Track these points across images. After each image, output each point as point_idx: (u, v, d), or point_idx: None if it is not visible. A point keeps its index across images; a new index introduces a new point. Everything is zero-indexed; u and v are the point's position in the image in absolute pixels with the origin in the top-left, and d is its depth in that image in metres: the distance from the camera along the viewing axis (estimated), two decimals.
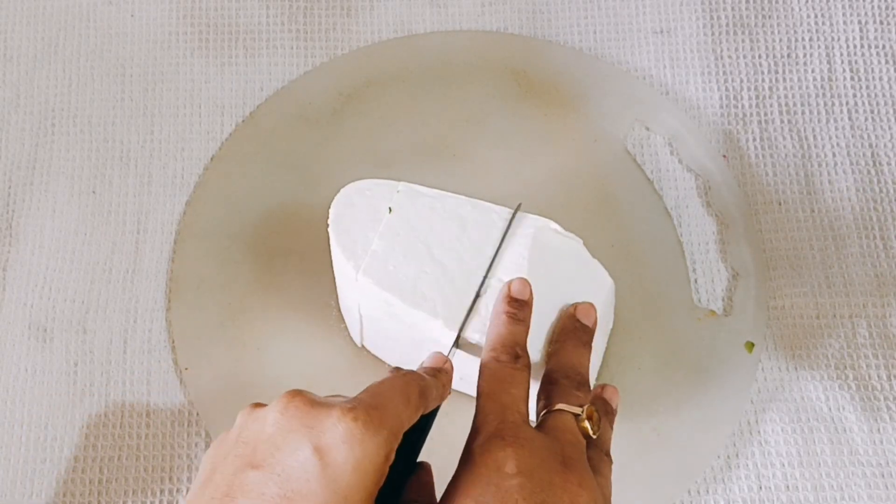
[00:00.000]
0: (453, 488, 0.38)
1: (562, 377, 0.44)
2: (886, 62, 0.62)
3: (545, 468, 0.38)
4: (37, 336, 0.55)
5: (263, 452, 0.35)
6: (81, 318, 0.55)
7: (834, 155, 0.60)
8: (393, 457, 0.37)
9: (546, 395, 0.43)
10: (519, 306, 0.45)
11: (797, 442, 0.53)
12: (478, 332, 0.46)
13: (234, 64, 0.62)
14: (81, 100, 0.61)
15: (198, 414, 0.53)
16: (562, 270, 0.48)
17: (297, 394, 0.37)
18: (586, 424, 0.41)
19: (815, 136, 0.61)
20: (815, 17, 0.64)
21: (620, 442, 0.52)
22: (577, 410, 0.41)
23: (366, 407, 0.36)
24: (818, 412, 0.54)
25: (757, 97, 0.62)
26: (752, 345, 0.54)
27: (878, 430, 0.53)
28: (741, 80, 0.62)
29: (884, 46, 0.63)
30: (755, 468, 0.53)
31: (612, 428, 0.44)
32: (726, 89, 0.62)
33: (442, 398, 0.42)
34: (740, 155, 0.60)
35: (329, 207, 0.55)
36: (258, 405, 0.37)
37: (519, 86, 0.61)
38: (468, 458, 0.39)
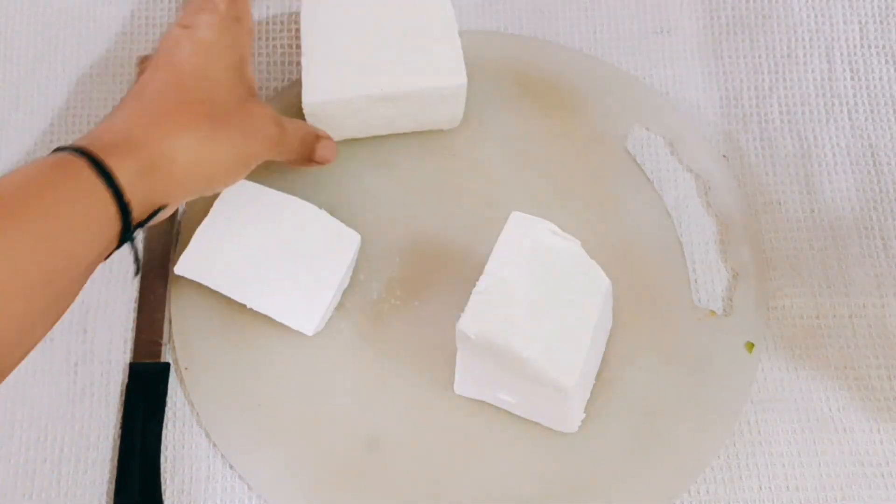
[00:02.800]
0: None
1: None
2: (886, 62, 0.62)
3: None
4: None
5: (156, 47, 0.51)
6: (82, 318, 0.55)
7: (834, 155, 0.60)
8: (246, 18, 0.52)
9: None
10: None
11: (797, 442, 0.53)
12: (469, 327, 0.46)
13: None
14: (81, 100, 0.61)
15: (198, 414, 0.53)
16: (560, 271, 0.48)
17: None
18: None
19: (815, 136, 0.61)
20: (815, 17, 0.64)
21: (620, 442, 0.52)
22: None
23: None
24: (818, 412, 0.54)
25: (757, 97, 0.62)
26: (752, 345, 0.54)
27: (879, 430, 0.53)
28: (741, 80, 0.62)
29: (884, 46, 0.63)
30: (755, 468, 0.53)
31: None
32: (726, 89, 0.62)
33: None
34: (740, 155, 0.60)
35: (329, 207, 0.55)
36: None
37: (519, 86, 0.61)
38: None
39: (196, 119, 0.46)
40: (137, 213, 0.43)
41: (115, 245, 0.44)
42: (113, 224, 0.42)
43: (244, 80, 0.51)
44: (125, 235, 0.43)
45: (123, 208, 0.42)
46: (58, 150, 0.43)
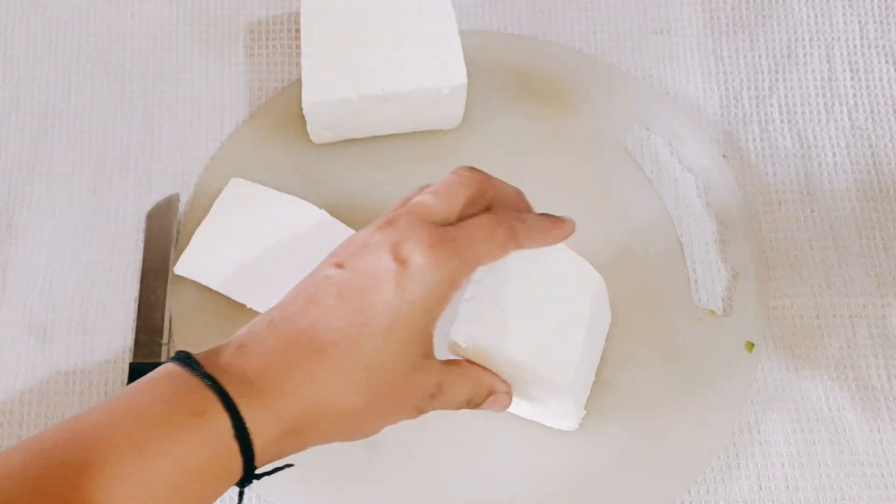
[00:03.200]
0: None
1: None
2: (886, 62, 0.62)
3: None
4: (37, 336, 0.55)
5: (349, 257, 0.41)
6: (81, 318, 0.55)
7: (834, 155, 0.60)
8: (462, 284, 0.42)
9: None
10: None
11: (797, 442, 0.53)
12: (460, 336, 0.46)
13: (234, 64, 0.62)
14: (81, 100, 0.61)
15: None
16: (548, 271, 0.48)
17: (384, 224, 0.42)
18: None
19: (815, 136, 0.61)
20: (815, 17, 0.64)
21: (621, 441, 0.52)
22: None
23: (446, 239, 0.41)
24: (818, 412, 0.54)
25: (757, 97, 0.62)
26: (752, 345, 0.54)
27: (879, 430, 0.53)
28: (741, 80, 0.62)
29: (884, 46, 0.63)
30: (755, 468, 0.53)
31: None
32: (726, 89, 0.62)
33: (548, 241, 0.46)
34: (740, 155, 0.60)
35: (329, 207, 0.55)
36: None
37: (519, 86, 0.61)
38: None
39: (357, 391, 0.39)
40: (259, 465, 0.39)
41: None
42: (232, 475, 0.38)
43: (425, 342, 0.41)
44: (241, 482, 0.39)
45: (249, 470, 0.38)
46: (189, 363, 0.38)
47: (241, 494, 0.40)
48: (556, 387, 0.46)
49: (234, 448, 0.37)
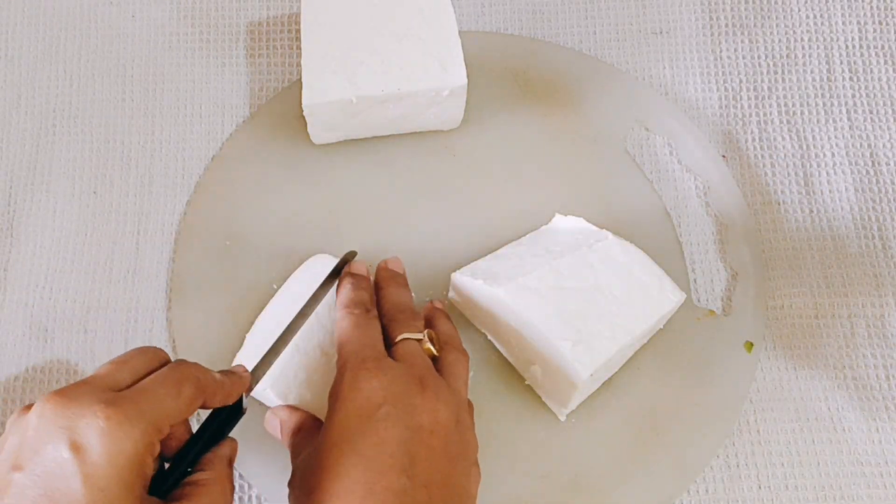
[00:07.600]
0: (328, 431, 0.42)
1: (397, 313, 0.48)
2: (885, 63, 0.63)
3: (407, 393, 0.43)
4: (38, 336, 0.55)
5: (24, 455, 0.36)
6: (82, 317, 0.56)
7: (833, 155, 0.60)
8: (158, 448, 0.38)
9: (389, 332, 0.47)
10: (358, 279, 0.50)
11: (796, 441, 0.53)
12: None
13: (234, 64, 0.62)
14: (82, 100, 0.61)
15: (198, 413, 0.53)
16: (630, 279, 0.50)
17: (53, 395, 0.37)
18: (429, 346, 0.47)
19: (813, 137, 0.61)
20: (814, 17, 0.64)
21: (620, 442, 0.52)
22: (419, 336, 0.47)
23: (123, 402, 0.37)
24: (817, 412, 0.54)
25: (756, 97, 0.62)
26: (752, 345, 0.55)
27: (877, 429, 0.54)
28: (740, 81, 0.62)
29: (882, 47, 0.63)
30: (755, 468, 0.53)
31: (451, 325, 0.50)
32: (725, 90, 0.62)
33: (228, 398, 0.42)
34: (739, 155, 0.60)
35: (329, 207, 0.55)
36: (27, 408, 0.38)
37: (519, 86, 0.61)
38: (337, 397, 0.43)
39: None
40: None
41: None
42: None
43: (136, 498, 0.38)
44: None
45: None
46: None
47: None
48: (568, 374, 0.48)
49: None
